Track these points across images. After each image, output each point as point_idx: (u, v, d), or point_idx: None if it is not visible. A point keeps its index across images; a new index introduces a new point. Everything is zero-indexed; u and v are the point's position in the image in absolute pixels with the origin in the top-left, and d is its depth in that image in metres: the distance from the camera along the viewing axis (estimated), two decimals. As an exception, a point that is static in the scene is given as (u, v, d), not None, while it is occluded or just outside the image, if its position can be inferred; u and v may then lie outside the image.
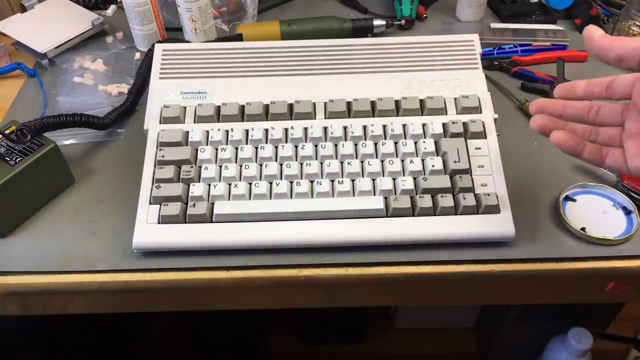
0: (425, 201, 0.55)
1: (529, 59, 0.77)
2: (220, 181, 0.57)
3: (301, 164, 0.58)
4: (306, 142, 0.59)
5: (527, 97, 0.72)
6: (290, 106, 0.62)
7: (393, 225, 0.55)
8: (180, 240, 0.54)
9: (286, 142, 0.59)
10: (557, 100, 0.46)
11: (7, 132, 0.57)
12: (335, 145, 0.59)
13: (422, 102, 0.62)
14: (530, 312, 0.99)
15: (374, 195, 0.56)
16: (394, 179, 0.56)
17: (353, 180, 0.57)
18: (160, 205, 0.55)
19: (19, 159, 0.56)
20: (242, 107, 0.62)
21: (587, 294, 0.62)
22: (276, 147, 0.59)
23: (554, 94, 0.46)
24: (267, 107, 0.62)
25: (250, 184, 0.57)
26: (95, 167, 0.64)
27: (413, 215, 0.55)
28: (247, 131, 0.60)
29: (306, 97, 0.62)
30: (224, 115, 0.61)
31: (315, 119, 0.61)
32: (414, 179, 0.56)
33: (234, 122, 0.61)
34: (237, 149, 0.59)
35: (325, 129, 0.60)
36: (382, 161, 0.58)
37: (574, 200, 0.59)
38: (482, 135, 0.59)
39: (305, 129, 0.60)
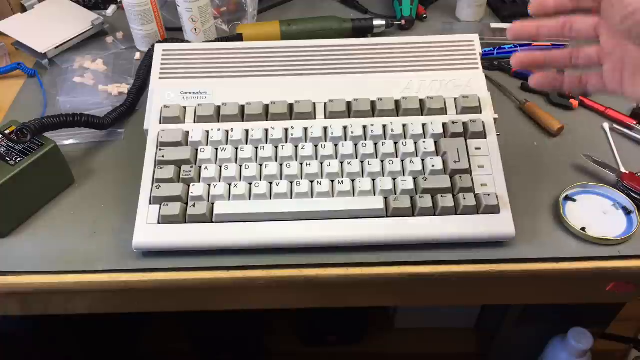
0: (425, 201, 0.55)
1: (529, 59, 0.77)
2: (220, 181, 0.57)
3: (301, 164, 0.58)
4: (306, 142, 0.59)
5: (527, 97, 0.72)
6: (290, 106, 0.62)
7: (393, 225, 0.55)
8: (180, 240, 0.54)
9: (286, 142, 0.59)
10: (531, 22, 0.47)
11: (7, 132, 0.57)
12: (335, 145, 0.59)
13: (422, 102, 0.62)
14: (530, 312, 0.99)
15: (374, 195, 0.56)
16: (394, 179, 0.56)
17: (353, 180, 0.57)
18: (160, 205, 0.55)
19: (19, 159, 0.56)
20: (242, 107, 0.61)
21: (587, 294, 0.62)
22: (276, 147, 0.59)
23: (528, 9, 0.48)
24: (267, 107, 0.62)
25: (250, 184, 0.57)
26: (95, 167, 0.64)
27: (413, 215, 0.55)
28: (247, 131, 0.60)
29: (306, 97, 0.62)
30: (224, 115, 0.61)
31: (315, 119, 0.61)
32: (414, 179, 0.56)
33: (234, 122, 0.61)
34: (237, 149, 0.59)
35: (325, 129, 0.60)
36: (382, 161, 0.58)
37: (574, 200, 0.59)
38: (482, 135, 0.59)
39: (305, 129, 0.60)
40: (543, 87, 0.47)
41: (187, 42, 0.77)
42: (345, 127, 0.60)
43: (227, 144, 0.59)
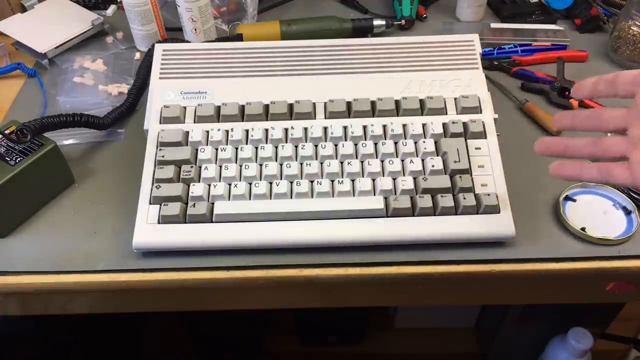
0: (425, 201, 0.55)
1: (529, 59, 0.77)
2: (220, 181, 0.57)
3: (301, 164, 0.58)
4: (306, 142, 0.59)
5: (527, 97, 0.72)
6: (290, 106, 0.62)
7: (393, 225, 0.55)
8: (180, 240, 0.54)
9: (286, 142, 0.59)
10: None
11: (7, 132, 0.57)
12: (335, 145, 0.59)
13: (422, 102, 0.62)
14: (530, 312, 0.99)
15: (374, 195, 0.56)
16: (394, 179, 0.56)
17: (353, 180, 0.57)
18: (160, 205, 0.55)
19: (19, 159, 0.56)
20: (242, 107, 0.62)
21: (587, 294, 0.62)
22: (276, 147, 0.59)
23: (554, 123, 0.47)
24: (267, 107, 0.62)
25: (250, 184, 0.57)
26: (95, 167, 0.64)
27: (413, 215, 0.55)
28: (247, 131, 0.60)
29: (306, 97, 0.62)
30: (224, 115, 0.61)
31: (315, 119, 0.61)
32: (414, 179, 0.56)
33: (234, 122, 0.61)
34: (237, 149, 0.59)
35: (325, 129, 0.60)
36: (382, 161, 0.58)
37: (574, 200, 0.59)
38: (482, 135, 0.59)
39: (305, 129, 0.60)
40: (561, 176, 0.45)
41: (187, 42, 0.77)
42: (345, 127, 0.60)
43: (227, 144, 0.59)
